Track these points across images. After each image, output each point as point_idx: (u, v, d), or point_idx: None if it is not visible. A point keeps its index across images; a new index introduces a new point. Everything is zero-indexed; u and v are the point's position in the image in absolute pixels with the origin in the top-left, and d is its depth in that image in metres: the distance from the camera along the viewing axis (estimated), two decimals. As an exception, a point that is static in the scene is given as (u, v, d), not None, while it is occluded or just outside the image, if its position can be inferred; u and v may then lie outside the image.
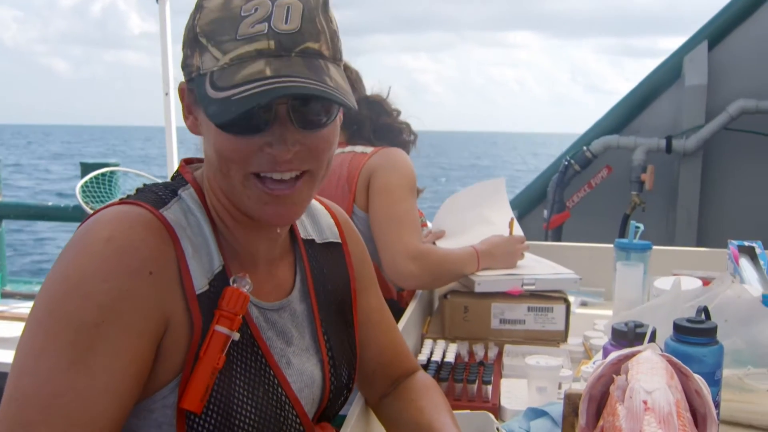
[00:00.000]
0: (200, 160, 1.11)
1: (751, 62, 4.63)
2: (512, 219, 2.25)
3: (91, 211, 3.11)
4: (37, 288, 4.36)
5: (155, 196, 1.02)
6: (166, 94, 3.76)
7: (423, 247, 1.97)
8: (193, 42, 0.94)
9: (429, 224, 2.42)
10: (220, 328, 0.96)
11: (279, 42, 0.91)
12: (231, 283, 1.00)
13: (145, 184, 1.08)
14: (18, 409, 0.85)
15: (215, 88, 0.90)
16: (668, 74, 4.86)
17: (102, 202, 3.80)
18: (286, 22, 0.91)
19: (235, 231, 1.05)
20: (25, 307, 3.86)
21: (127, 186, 4.14)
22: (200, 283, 0.98)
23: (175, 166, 3.57)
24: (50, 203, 4.89)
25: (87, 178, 3.79)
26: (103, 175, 3.89)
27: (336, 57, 0.98)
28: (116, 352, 0.89)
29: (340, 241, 1.26)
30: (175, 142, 3.83)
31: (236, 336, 0.98)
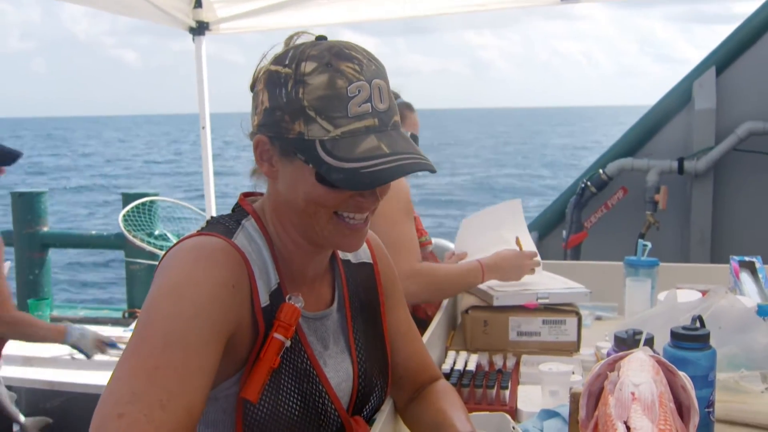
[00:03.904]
0: (256, 194, 1.32)
1: (758, 86, 4.76)
2: (517, 238, 2.39)
3: (133, 239, 3.30)
4: (82, 312, 4.56)
5: (224, 227, 1.22)
6: (203, 127, 3.92)
7: (418, 267, 2.14)
8: (297, 111, 1.12)
9: (434, 241, 2.59)
10: (278, 336, 1.16)
11: (380, 119, 1.13)
12: (287, 300, 1.20)
13: (213, 216, 1.29)
14: (127, 381, 1.02)
15: (334, 157, 1.09)
16: (679, 99, 5.01)
17: (143, 229, 4.00)
18: (381, 102, 1.13)
19: (293, 254, 1.25)
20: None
21: (166, 214, 4.34)
22: (264, 299, 1.18)
23: (212, 189, 3.78)
24: (93, 232, 5.11)
25: (129, 207, 3.98)
26: (143, 204, 4.09)
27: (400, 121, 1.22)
28: (205, 342, 1.07)
29: (372, 262, 1.45)
30: (211, 169, 3.99)
31: (288, 343, 1.18)
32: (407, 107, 2.58)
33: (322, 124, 1.10)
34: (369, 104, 1.12)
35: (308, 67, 1.12)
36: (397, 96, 2.51)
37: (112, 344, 3.00)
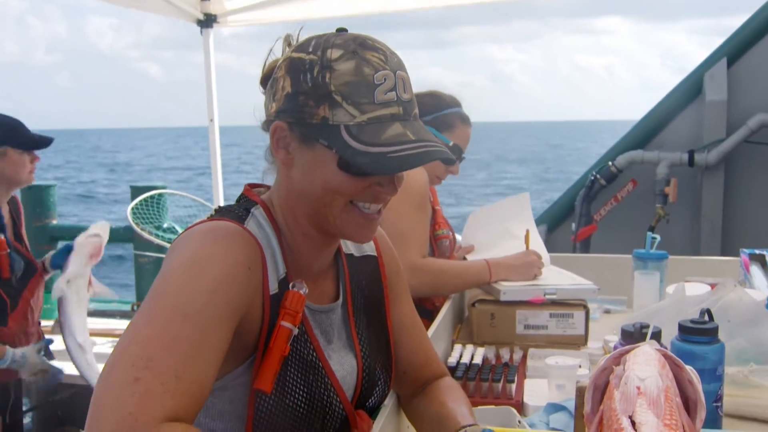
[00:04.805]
0: (261, 185, 1.32)
1: None
2: (527, 232, 2.38)
3: (142, 232, 3.28)
4: (91, 305, 4.55)
5: (234, 214, 1.21)
6: (211, 120, 3.93)
7: (420, 262, 2.14)
8: (323, 96, 1.12)
9: (458, 237, 2.57)
10: (285, 323, 1.15)
11: (404, 108, 1.14)
12: (291, 287, 1.19)
13: (220, 206, 1.27)
14: (142, 348, 0.97)
15: (360, 141, 1.10)
16: (689, 90, 4.96)
17: (151, 222, 4.00)
18: (405, 92, 1.15)
19: (301, 246, 1.25)
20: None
21: (174, 207, 4.34)
22: (273, 286, 1.18)
23: (220, 180, 3.77)
24: (101, 225, 5.10)
25: (137, 200, 3.98)
26: (152, 197, 4.08)
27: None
28: (220, 319, 1.06)
29: (376, 254, 1.44)
30: (219, 162, 4.00)
31: (296, 330, 1.17)
32: (461, 118, 2.44)
33: (348, 110, 1.11)
34: (394, 92, 1.13)
35: (334, 53, 1.13)
36: (457, 104, 2.46)
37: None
